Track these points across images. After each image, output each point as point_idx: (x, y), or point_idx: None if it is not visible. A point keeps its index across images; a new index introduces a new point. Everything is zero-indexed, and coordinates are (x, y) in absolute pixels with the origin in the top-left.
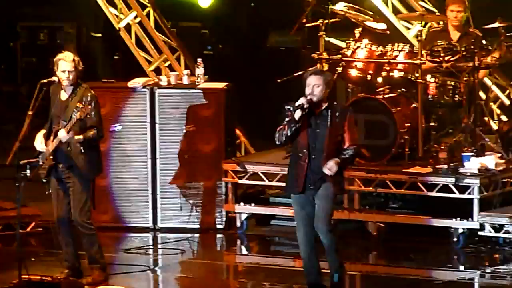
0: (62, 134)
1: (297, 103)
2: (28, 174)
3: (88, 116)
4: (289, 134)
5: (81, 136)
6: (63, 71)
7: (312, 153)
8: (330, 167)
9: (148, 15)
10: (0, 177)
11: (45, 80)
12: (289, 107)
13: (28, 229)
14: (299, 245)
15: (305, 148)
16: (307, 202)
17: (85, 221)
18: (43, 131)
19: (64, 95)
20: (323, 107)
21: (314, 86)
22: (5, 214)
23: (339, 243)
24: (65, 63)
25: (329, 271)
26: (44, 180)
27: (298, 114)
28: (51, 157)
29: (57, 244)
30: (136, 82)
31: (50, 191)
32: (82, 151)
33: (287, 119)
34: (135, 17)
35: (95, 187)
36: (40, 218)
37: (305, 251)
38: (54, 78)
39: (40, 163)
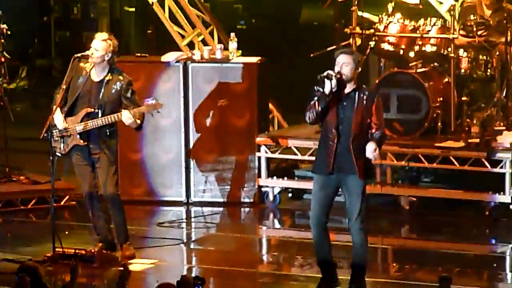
0: (126, 117)
1: (324, 73)
2: (62, 149)
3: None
4: (319, 110)
5: (139, 121)
6: (91, 47)
7: (341, 135)
8: (374, 154)
9: None
10: (34, 150)
11: (79, 54)
12: (319, 88)
13: (62, 203)
14: (310, 224)
15: (334, 128)
16: (330, 184)
17: (116, 193)
18: (58, 109)
19: (95, 76)
20: (351, 89)
21: (343, 64)
22: (39, 187)
23: (367, 250)
24: (95, 41)
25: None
26: (59, 154)
27: (327, 86)
28: (80, 138)
29: (89, 217)
30: (170, 57)
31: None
32: (108, 133)
33: (316, 98)
34: None
35: (125, 161)
36: (74, 192)
37: (316, 232)
38: (88, 52)
39: (55, 139)
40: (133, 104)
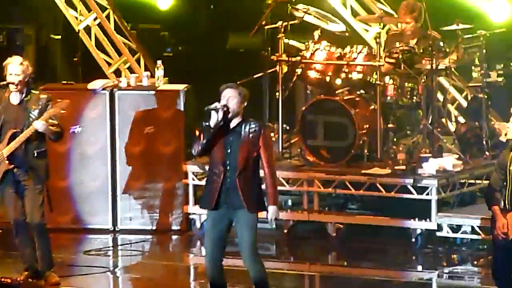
0: (39, 124)
1: (211, 106)
2: None
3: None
4: (204, 142)
5: (57, 129)
6: (10, 74)
7: (227, 170)
8: (273, 215)
9: (108, 17)
10: None
11: (4, 82)
12: (207, 123)
13: None
14: (205, 262)
15: (220, 164)
16: (220, 219)
17: (41, 222)
18: None
19: (15, 99)
20: (237, 123)
21: (229, 98)
22: None
23: (267, 278)
24: (13, 66)
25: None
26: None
27: (213, 119)
28: (7, 161)
29: (15, 245)
30: (96, 84)
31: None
32: (35, 155)
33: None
34: (95, 19)
35: (52, 189)
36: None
37: (210, 272)
38: (12, 88)
39: None
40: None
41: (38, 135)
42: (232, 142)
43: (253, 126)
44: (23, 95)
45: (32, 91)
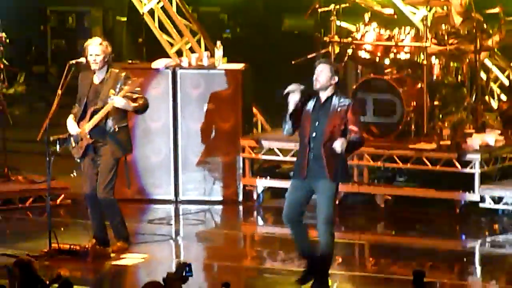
0: (118, 100)
1: (286, 90)
2: (58, 150)
3: (129, 93)
4: (286, 124)
5: (136, 104)
6: (91, 55)
7: (312, 142)
8: (338, 145)
9: (170, 0)
10: (31, 152)
11: (73, 61)
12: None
13: (58, 201)
14: (285, 224)
15: (306, 136)
16: (302, 187)
17: (108, 197)
18: (71, 116)
19: (96, 79)
20: (327, 97)
21: (320, 71)
22: (36, 186)
23: (332, 253)
24: (93, 47)
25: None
26: (79, 160)
27: (291, 103)
28: (89, 136)
29: (84, 215)
30: (159, 63)
31: (74, 173)
32: (116, 129)
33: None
34: (158, 2)
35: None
36: (69, 191)
37: (290, 229)
38: (82, 59)
39: (73, 145)
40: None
41: (118, 111)
42: (320, 115)
43: (342, 100)
44: (105, 74)
45: (112, 69)
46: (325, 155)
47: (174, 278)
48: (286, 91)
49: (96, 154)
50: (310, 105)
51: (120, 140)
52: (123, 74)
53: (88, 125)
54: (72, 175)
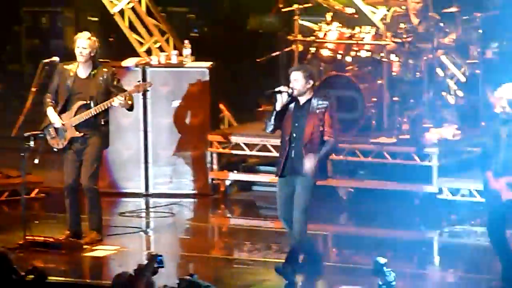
0: (119, 100)
1: (276, 89)
2: (32, 145)
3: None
4: (272, 122)
5: (131, 102)
6: (78, 47)
7: (292, 141)
8: (307, 168)
9: (140, 1)
10: (6, 148)
11: (47, 60)
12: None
13: (32, 195)
14: (282, 223)
15: (287, 136)
16: (285, 184)
17: (93, 186)
18: (51, 108)
19: (82, 73)
20: (306, 100)
21: (294, 81)
22: (11, 181)
23: (306, 237)
24: (81, 40)
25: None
26: (56, 150)
27: (278, 102)
28: (76, 129)
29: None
30: (130, 62)
31: (37, 161)
32: (103, 123)
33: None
34: (128, 3)
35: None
36: (43, 185)
37: (284, 225)
38: (55, 58)
39: (52, 136)
40: (120, 91)
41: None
42: (300, 117)
43: (320, 102)
44: (90, 69)
45: (98, 65)
46: (305, 154)
47: (145, 269)
48: (275, 90)
49: (77, 147)
50: (291, 106)
51: (105, 132)
52: (111, 71)
53: (75, 119)
54: (34, 161)
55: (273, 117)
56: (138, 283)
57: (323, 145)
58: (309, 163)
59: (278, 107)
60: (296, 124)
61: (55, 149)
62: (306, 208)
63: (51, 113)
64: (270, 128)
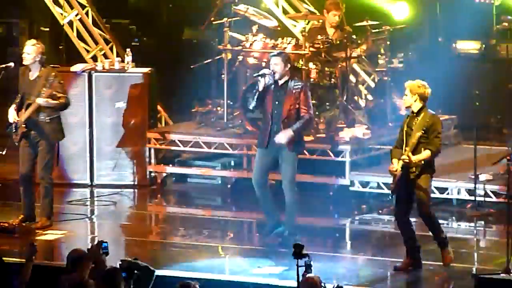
0: (41, 100)
1: (259, 73)
2: None
3: (55, 92)
4: (255, 101)
5: (56, 101)
6: (23, 52)
7: (274, 118)
8: (279, 139)
9: (87, 13)
10: None
11: (3, 65)
12: (257, 81)
13: None
14: (254, 187)
15: (269, 113)
16: (267, 155)
17: (47, 175)
18: (13, 106)
19: (32, 75)
20: (284, 81)
21: (274, 65)
22: None
23: (297, 204)
24: (27, 46)
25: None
26: (17, 143)
27: (261, 84)
28: (24, 125)
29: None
30: (77, 67)
31: (4, 152)
32: (48, 120)
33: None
34: (76, 15)
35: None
36: None
37: (258, 191)
38: (11, 64)
39: (14, 131)
40: (57, 91)
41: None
42: (279, 96)
43: (297, 83)
44: (36, 72)
45: (43, 68)
46: (282, 128)
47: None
48: (257, 74)
49: (31, 141)
50: (271, 87)
51: (52, 128)
52: (53, 73)
53: (23, 116)
54: (2, 153)
55: (255, 97)
56: (89, 258)
57: (298, 120)
58: (283, 135)
59: (260, 87)
60: (276, 102)
61: (16, 143)
62: (293, 178)
63: (10, 111)
64: (253, 105)
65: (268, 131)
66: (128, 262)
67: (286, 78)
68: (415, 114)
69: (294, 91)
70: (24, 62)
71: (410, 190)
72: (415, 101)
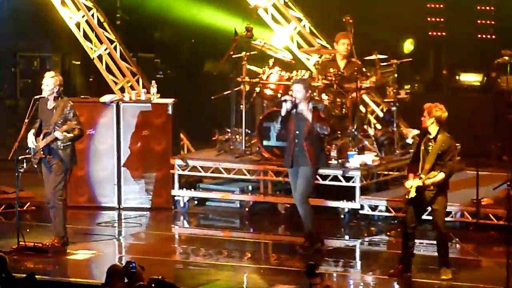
0: (58, 134)
1: (282, 98)
2: (24, 167)
3: (69, 123)
4: (279, 124)
5: (71, 135)
6: (42, 84)
7: (295, 138)
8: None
9: (115, 48)
10: (3, 168)
11: (38, 96)
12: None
13: (25, 208)
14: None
15: (291, 133)
16: (295, 173)
17: (56, 197)
18: (32, 131)
19: (50, 105)
20: (304, 105)
21: (297, 91)
22: (7, 196)
23: (312, 214)
24: (45, 78)
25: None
26: (35, 166)
27: (283, 108)
28: (42, 151)
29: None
30: (106, 98)
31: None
32: (62, 147)
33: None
34: (105, 49)
35: (73, 177)
36: (33, 199)
37: (299, 210)
38: (44, 94)
39: (32, 154)
40: (67, 122)
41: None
42: (300, 118)
43: (315, 105)
44: (54, 102)
45: (60, 99)
46: (306, 148)
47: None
48: (282, 99)
49: (48, 166)
50: (293, 111)
51: (65, 155)
52: (69, 105)
53: (41, 143)
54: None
55: (279, 121)
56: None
57: (319, 138)
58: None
59: (283, 112)
60: (298, 124)
61: (34, 165)
62: (306, 192)
63: (29, 136)
64: (277, 129)
65: (291, 151)
66: (156, 280)
67: (305, 102)
68: (432, 137)
69: (312, 113)
70: (43, 93)
71: (424, 205)
72: (432, 123)
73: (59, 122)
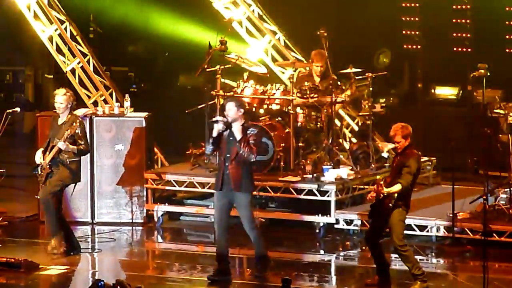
0: (60, 144)
1: (213, 119)
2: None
3: (76, 134)
4: (211, 146)
5: (74, 147)
6: (56, 102)
7: (226, 161)
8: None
9: (88, 61)
10: None
11: (10, 110)
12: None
13: None
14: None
15: (223, 156)
16: (222, 197)
17: (45, 198)
18: (41, 149)
19: (60, 120)
20: (237, 126)
21: (228, 110)
22: None
23: (261, 236)
24: (58, 97)
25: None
26: (42, 184)
27: (215, 130)
28: (48, 166)
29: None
30: (79, 112)
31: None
32: (67, 162)
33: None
34: (78, 63)
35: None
36: (6, 214)
37: (217, 233)
38: (17, 109)
39: (39, 173)
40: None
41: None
42: (230, 140)
43: (244, 128)
44: (64, 118)
45: (71, 114)
46: (231, 172)
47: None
48: (213, 120)
49: (50, 177)
50: (226, 132)
51: (70, 169)
52: (78, 121)
53: (47, 158)
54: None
55: (211, 141)
56: None
57: (246, 163)
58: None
59: (214, 133)
60: (228, 146)
61: (41, 184)
62: (252, 219)
63: (37, 153)
64: (209, 150)
65: (221, 174)
66: None
67: (240, 122)
68: (400, 152)
69: (242, 135)
70: (58, 111)
71: (384, 219)
72: (398, 142)
73: (67, 137)
